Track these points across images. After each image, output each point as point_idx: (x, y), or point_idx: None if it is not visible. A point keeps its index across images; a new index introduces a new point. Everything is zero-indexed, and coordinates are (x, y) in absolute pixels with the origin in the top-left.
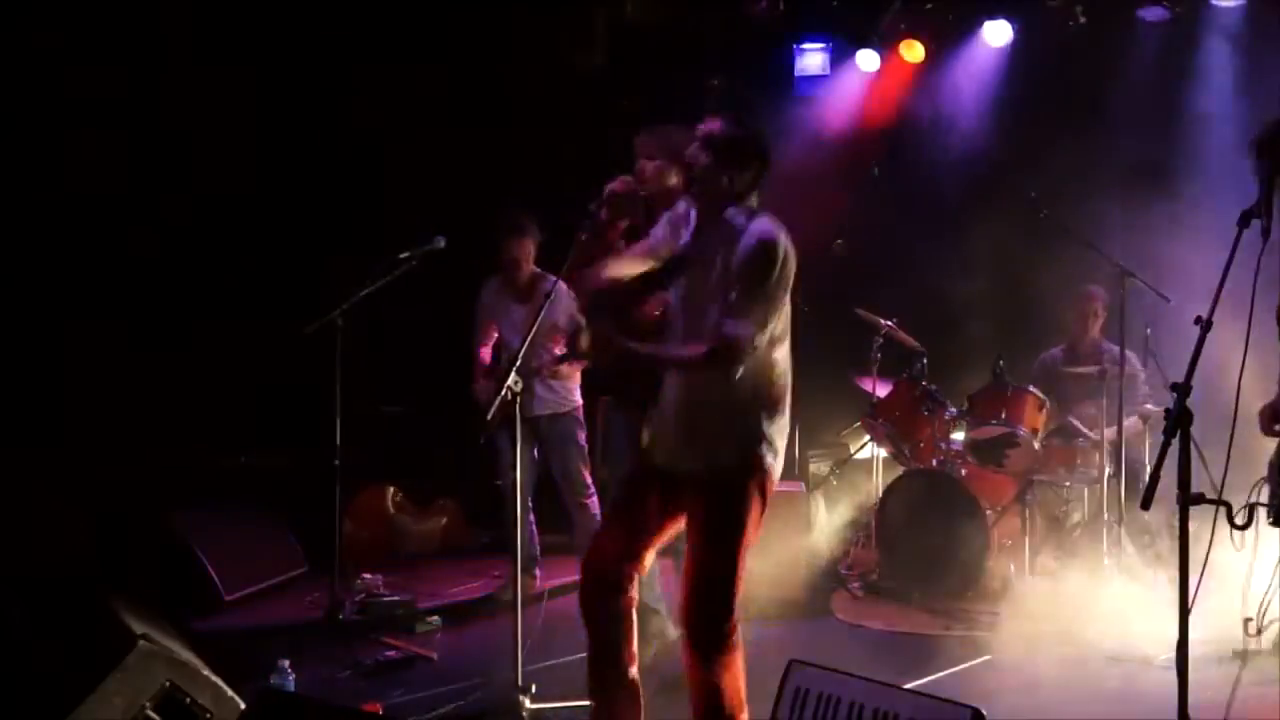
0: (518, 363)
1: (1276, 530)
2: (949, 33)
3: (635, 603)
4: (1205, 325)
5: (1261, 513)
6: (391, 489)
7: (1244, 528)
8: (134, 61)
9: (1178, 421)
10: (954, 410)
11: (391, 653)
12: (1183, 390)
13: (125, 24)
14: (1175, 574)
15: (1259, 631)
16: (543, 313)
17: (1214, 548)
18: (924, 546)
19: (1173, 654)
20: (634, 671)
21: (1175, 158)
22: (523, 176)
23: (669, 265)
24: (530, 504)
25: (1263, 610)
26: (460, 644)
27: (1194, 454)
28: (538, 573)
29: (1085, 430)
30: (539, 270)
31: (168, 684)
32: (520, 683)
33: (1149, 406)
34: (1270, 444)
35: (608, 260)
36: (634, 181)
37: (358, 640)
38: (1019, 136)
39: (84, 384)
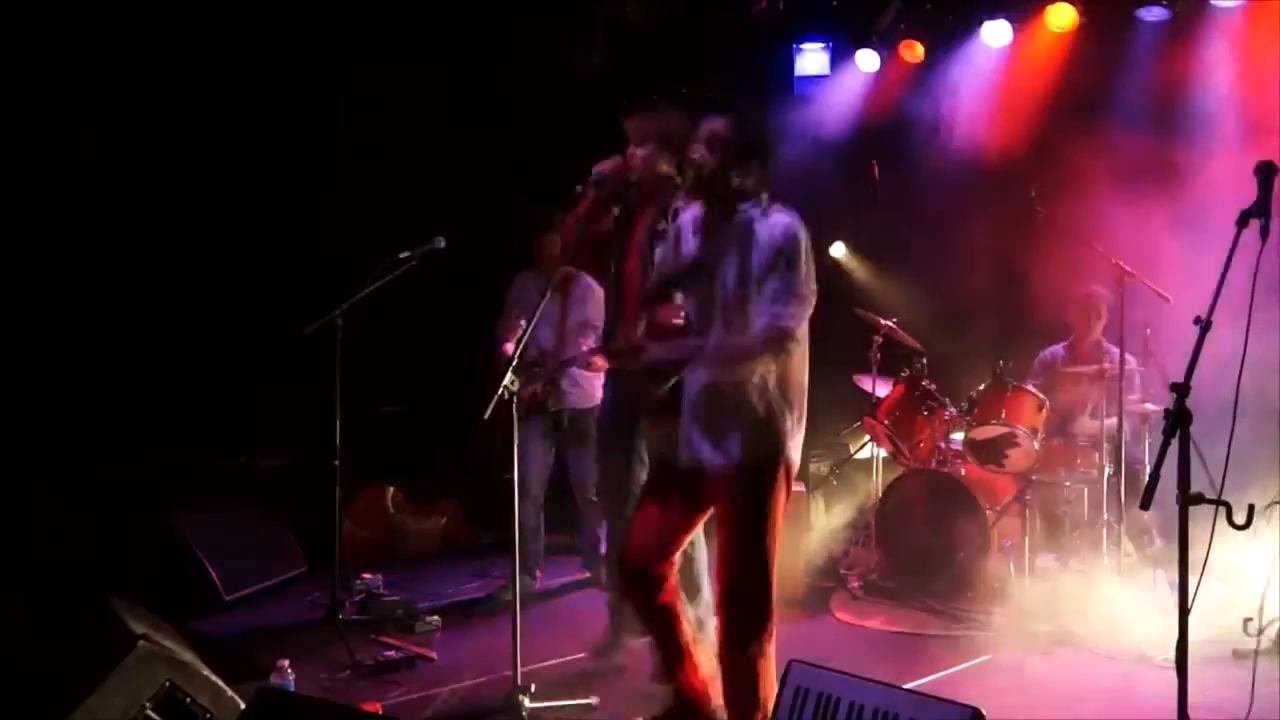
0: (515, 363)
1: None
2: (949, 33)
3: (677, 591)
4: (1205, 325)
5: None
6: (391, 489)
7: (1243, 528)
8: (135, 59)
9: (1177, 421)
10: (954, 410)
11: (391, 653)
12: (1182, 390)
13: (126, 22)
14: (1174, 574)
15: (1259, 631)
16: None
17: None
18: (924, 546)
19: (1172, 653)
20: (698, 653)
21: (1175, 158)
22: (523, 176)
23: (679, 273)
24: (541, 499)
25: (1261, 609)
26: (460, 644)
27: (1194, 454)
28: (539, 573)
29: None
30: (572, 268)
31: (168, 684)
32: (520, 683)
33: (1148, 406)
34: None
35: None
36: (623, 164)
37: (358, 640)
38: (1019, 136)
39: (84, 384)
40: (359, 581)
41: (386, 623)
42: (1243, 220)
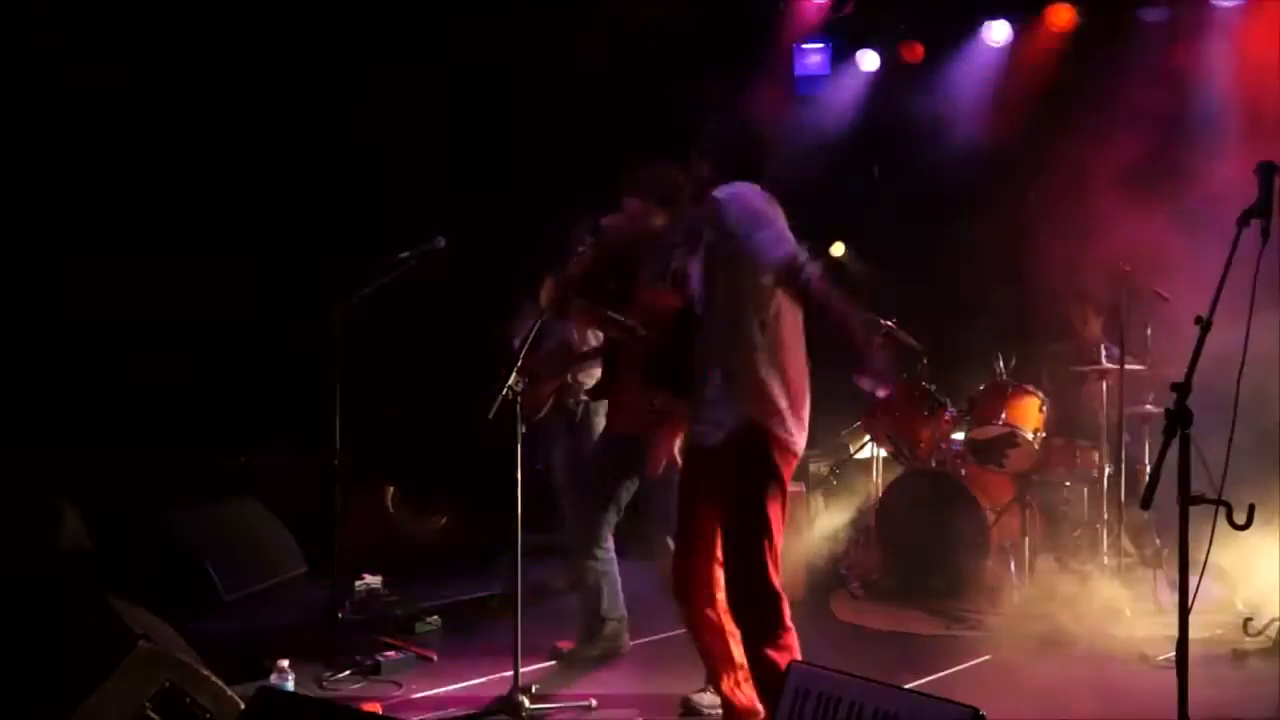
0: (519, 363)
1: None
2: (949, 33)
3: (723, 605)
4: (1205, 325)
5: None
6: (391, 489)
7: (1243, 528)
8: (135, 59)
9: (1177, 421)
10: (954, 410)
11: (391, 653)
12: (1182, 390)
13: (126, 22)
14: (1174, 574)
15: (1259, 632)
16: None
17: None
18: (924, 546)
19: (1172, 653)
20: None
21: (1175, 157)
22: (523, 176)
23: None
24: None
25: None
26: (460, 644)
27: (1194, 454)
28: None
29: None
30: None
31: (168, 684)
32: (520, 683)
33: (1148, 407)
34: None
35: None
36: (626, 220)
37: (358, 640)
38: (1019, 136)
39: (83, 383)
40: (359, 582)
41: (386, 623)
42: (1243, 220)
